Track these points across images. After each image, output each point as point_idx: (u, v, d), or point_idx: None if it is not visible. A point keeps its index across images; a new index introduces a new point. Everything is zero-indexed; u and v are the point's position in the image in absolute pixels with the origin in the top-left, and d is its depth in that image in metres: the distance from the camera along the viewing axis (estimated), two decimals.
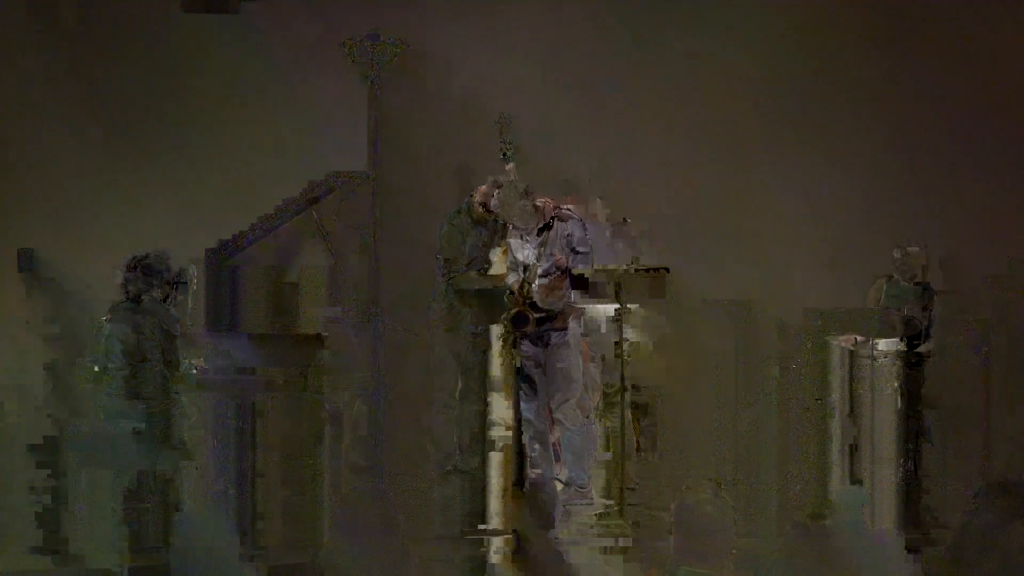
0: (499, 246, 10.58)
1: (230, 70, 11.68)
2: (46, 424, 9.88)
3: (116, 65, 11.63)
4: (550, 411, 10.39)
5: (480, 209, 10.83)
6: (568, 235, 10.39)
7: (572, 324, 10.37)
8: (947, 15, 12.20)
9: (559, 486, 10.22)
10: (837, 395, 10.32)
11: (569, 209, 10.48)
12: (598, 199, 10.92)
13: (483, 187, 10.83)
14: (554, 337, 10.35)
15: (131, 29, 11.64)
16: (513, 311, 10.22)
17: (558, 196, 10.58)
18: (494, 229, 10.81)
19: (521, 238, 10.32)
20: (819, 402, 10.29)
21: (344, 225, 10.59)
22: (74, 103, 11.56)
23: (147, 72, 11.63)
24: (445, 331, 10.75)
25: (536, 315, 10.25)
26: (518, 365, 10.23)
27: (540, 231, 10.35)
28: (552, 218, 10.34)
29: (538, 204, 10.33)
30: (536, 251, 10.32)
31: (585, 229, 10.44)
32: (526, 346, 10.29)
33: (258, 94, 11.67)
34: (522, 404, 10.22)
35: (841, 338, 10.46)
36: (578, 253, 10.40)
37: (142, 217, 11.22)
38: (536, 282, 10.25)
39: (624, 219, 10.59)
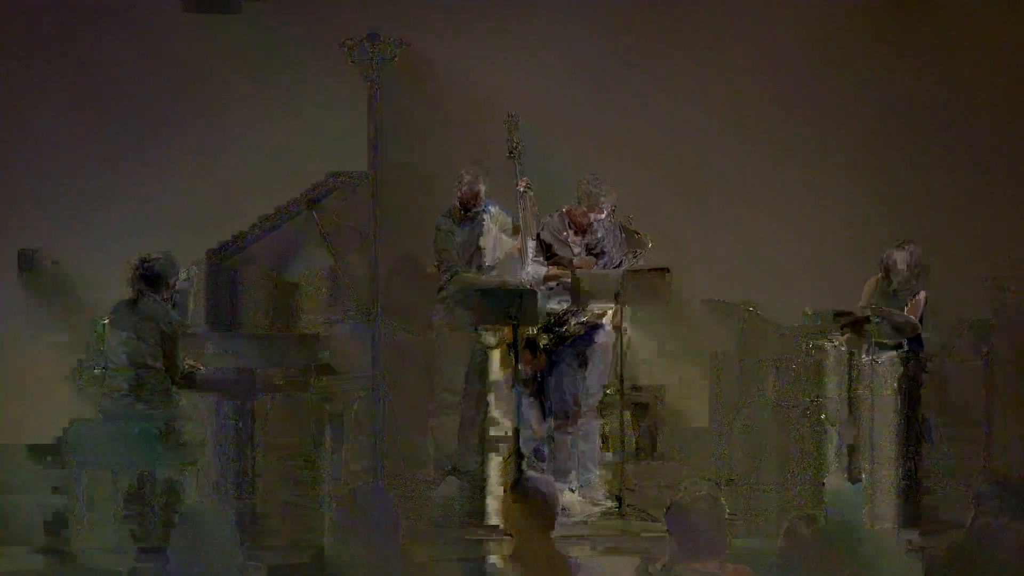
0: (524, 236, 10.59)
1: (230, 70, 11.69)
2: (47, 425, 9.88)
3: (116, 64, 11.64)
4: (567, 404, 10.44)
5: (456, 205, 10.84)
6: (601, 235, 10.51)
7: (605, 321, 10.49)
8: (949, 16, 12.21)
9: (565, 486, 10.23)
10: (834, 395, 10.32)
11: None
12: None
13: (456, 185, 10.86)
14: (596, 333, 10.44)
15: (131, 28, 11.65)
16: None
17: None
18: (478, 223, 10.82)
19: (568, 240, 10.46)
20: (815, 403, 10.29)
21: (344, 225, 10.57)
22: (75, 103, 11.57)
23: (147, 71, 11.64)
24: (448, 331, 10.76)
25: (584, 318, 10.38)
26: (532, 372, 10.28)
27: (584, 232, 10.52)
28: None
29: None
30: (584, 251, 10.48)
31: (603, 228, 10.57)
32: (564, 345, 10.38)
33: (258, 94, 11.68)
34: (523, 406, 10.22)
35: (838, 339, 10.46)
36: (604, 253, 10.50)
37: (142, 217, 11.23)
38: None
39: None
